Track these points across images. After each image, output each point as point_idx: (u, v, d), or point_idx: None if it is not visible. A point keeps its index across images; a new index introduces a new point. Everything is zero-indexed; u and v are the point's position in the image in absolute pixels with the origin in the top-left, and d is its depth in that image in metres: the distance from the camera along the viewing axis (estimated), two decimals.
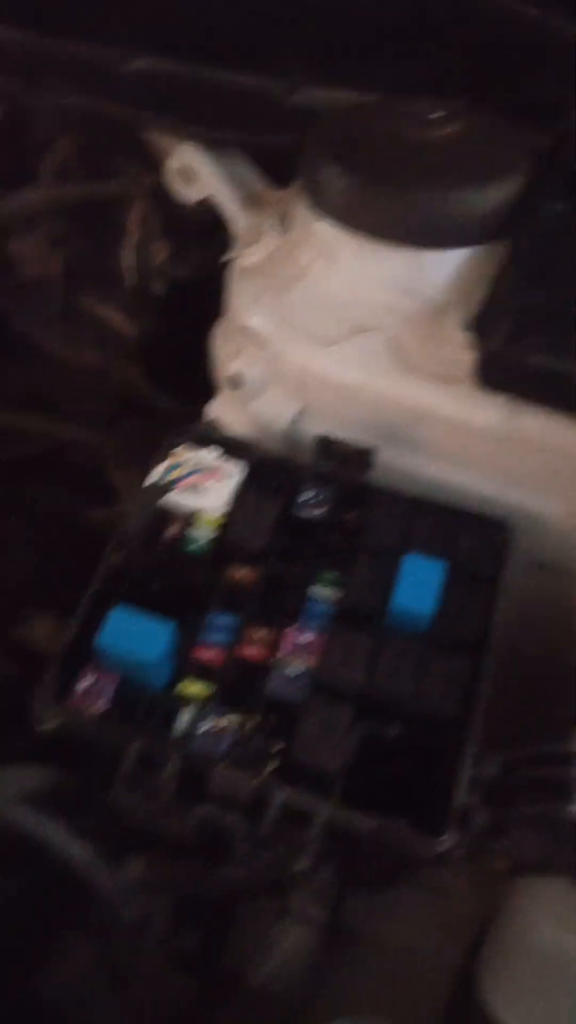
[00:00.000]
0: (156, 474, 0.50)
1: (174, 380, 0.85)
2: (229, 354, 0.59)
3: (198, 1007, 0.54)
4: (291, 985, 0.52)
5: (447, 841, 0.40)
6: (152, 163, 0.76)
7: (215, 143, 0.63)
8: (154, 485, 0.49)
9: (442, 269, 0.52)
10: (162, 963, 0.53)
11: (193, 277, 0.78)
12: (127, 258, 0.83)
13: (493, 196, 0.50)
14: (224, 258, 0.62)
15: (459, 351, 0.50)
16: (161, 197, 0.77)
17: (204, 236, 0.77)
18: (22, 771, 0.52)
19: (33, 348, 0.91)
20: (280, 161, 0.65)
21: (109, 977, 0.50)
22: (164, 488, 0.49)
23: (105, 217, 0.85)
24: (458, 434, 0.51)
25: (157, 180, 0.77)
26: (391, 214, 0.51)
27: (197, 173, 0.63)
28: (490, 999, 0.48)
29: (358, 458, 0.50)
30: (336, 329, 0.53)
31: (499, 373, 0.48)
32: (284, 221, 0.59)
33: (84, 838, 0.49)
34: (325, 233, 0.54)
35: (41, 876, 0.51)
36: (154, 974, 0.51)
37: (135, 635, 0.43)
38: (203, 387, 0.66)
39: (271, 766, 0.42)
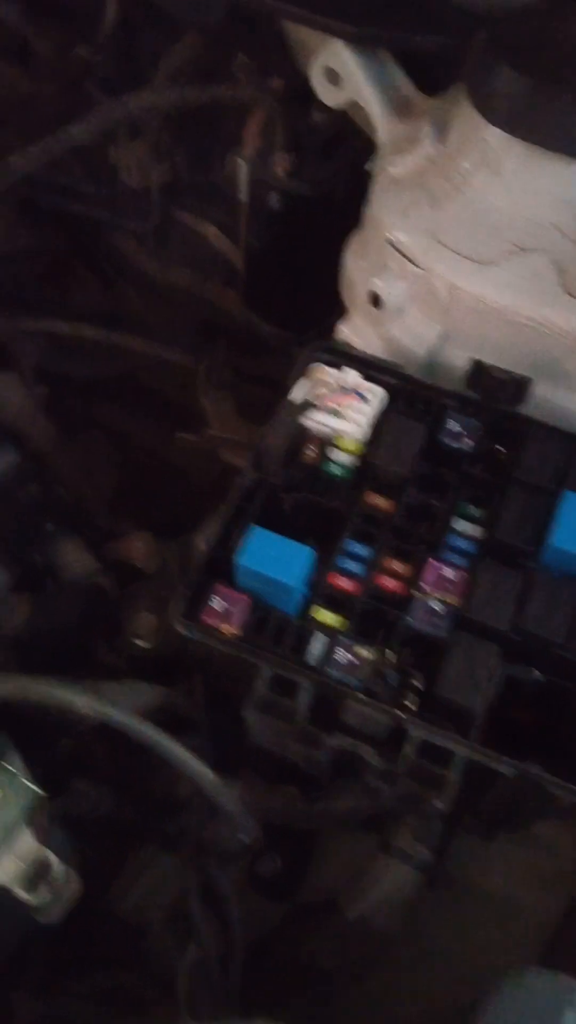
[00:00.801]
0: (297, 391, 0.47)
1: (278, 303, 0.82)
2: (367, 270, 0.56)
3: (284, 932, 0.54)
4: (390, 921, 0.51)
5: None
6: (283, 65, 0.73)
7: (364, 42, 0.60)
8: (294, 402, 0.47)
9: None
10: (244, 886, 0.53)
11: (314, 193, 0.75)
12: (242, 170, 0.80)
13: None
14: (366, 167, 0.59)
15: None
16: (286, 103, 0.74)
17: (329, 149, 0.74)
18: (132, 686, 0.51)
19: (125, 263, 0.89)
20: (431, 66, 0.62)
21: (199, 894, 0.50)
22: (305, 406, 0.47)
23: (214, 127, 0.82)
24: None
25: (283, 84, 0.74)
26: (568, 121, 0.48)
27: (344, 75, 0.59)
28: None
29: (512, 388, 0.48)
30: (495, 248, 0.50)
31: None
32: (440, 130, 0.55)
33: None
34: (492, 141, 0.50)
35: (135, 791, 0.51)
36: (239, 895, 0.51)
37: (274, 556, 0.42)
38: (309, 312, 0.63)
39: (411, 701, 0.41)
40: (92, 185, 0.86)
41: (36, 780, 0.41)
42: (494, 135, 0.50)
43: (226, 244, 0.86)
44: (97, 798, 0.51)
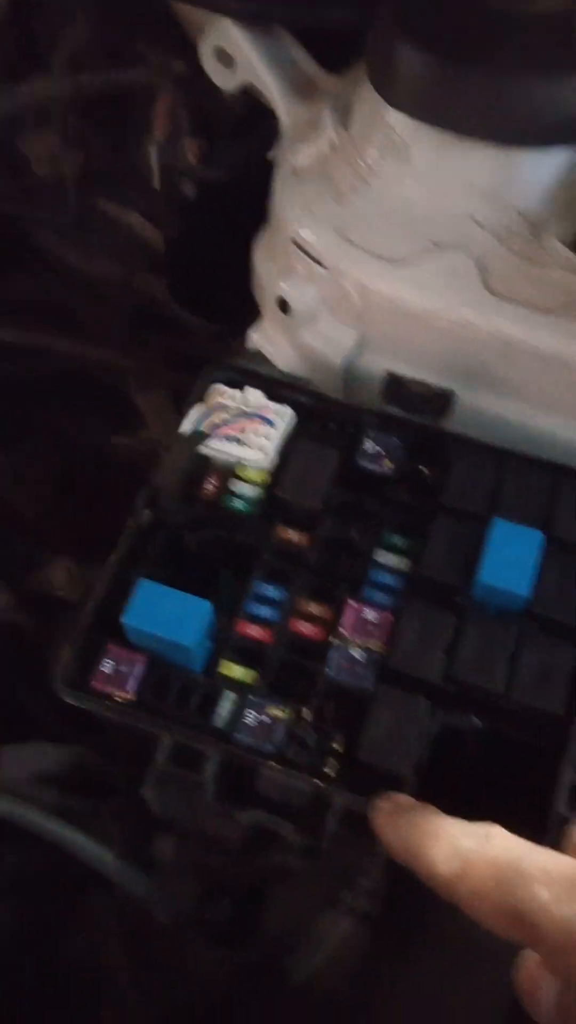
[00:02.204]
0: (192, 418, 0.44)
1: (201, 295, 0.79)
2: (274, 272, 0.53)
3: (235, 991, 0.51)
4: (341, 983, 0.49)
5: None
6: (182, 46, 0.69)
7: (257, 19, 0.56)
8: (189, 432, 0.43)
9: (542, 172, 0.45)
10: (191, 938, 0.50)
11: (228, 179, 0.71)
12: (152, 157, 0.76)
13: None
14: (269, 155, 0.55)
15: (561, 274, 0.43)
16: (192, 86, 0.70)
17: (242, 131, 0.70)
18: (39, 748, 0.48)
19: (47, 258, 0.85)
20: (336, 43, 0.58)
21: (126, 951, 0.47)
22: (201, 436, 0.43)
23: (126, 111, 0.78)
24: (556, 373, 0.45)
25: (188, 66, 0.70)
26: (480, 103, 0.44)
27: (236, 55, 0.56)
28: None
29: (435, 401, 0.44)
30: (408, 245, 0.47)
31: None
32: (342, 113, 0.51)
33: (108, 820, 0.46)
34: (397, 126, 0.47)
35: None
36: (182, 950, 0.48)
37: (166, 613, 0.38)
38: (233, 304, 0.60)
39: (331, 767, 0.38)
40: (3, 178, 0.82)
41: None
42: (399, 120, 0.47)
43: (151, 232, 0.83)
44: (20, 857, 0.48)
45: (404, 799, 0.35)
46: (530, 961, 0.30)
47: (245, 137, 0.70)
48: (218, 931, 0.51)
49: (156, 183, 0.76)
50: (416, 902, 0.50)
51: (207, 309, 0.80)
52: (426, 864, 0.31)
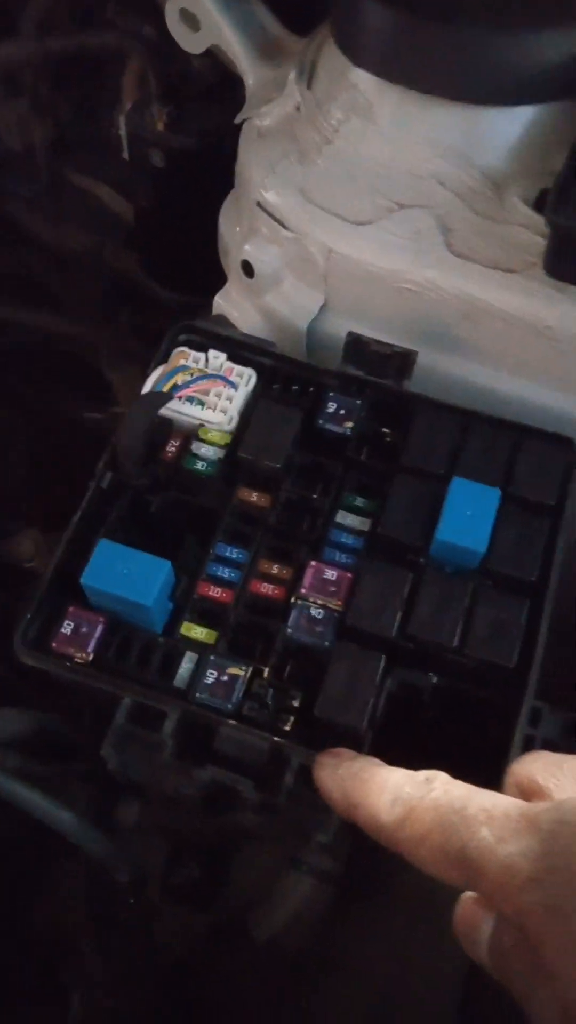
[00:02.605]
0: (153, 379, 0.44)
1: (172, 267, 0.78)
2: (239, 236, 0.52)
3: (199, 950, 0.52)
4: (302, 941, 0.49)
5: None
6: (152, 10, 0.68)
7: None
8: (151, 393, 0.43)
9: (506, 131, 0.45)
10: (157, 899, 0.50)
11: (198, 147, 0.70)
12: (121, 125, 0.76)
13: (572, 40, 0.43)
14: (237, 120, 0.55)
15: (524, 233, 0.43)
16: (161, 52, 0.70)
17: (210, 98, 0.70)
18: (2, 714, 0.48)
19: (17, 230, 0.85)
20: (301, 4, 0.57)
21: (91, 914, 0.48)
22: (163, 397, 0.43)
23: (97, 78, 0.77)
24: (518, 334, 0.45)
25: (157, 32, 0.69)
26: (444, 60, 0.44)
27: (201, 17, 0.55)
28: None
29: (396, 362, 0.45)
30: (372, 205, 0.47)
31: (573, 259, 0.42)
32: (307, 74, 0.51)
33: (77, 783, 0.46)
34: (361, 85, 0.47)
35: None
36: (152, 912, 0.48)
37: (125, 573, 0.38)
38: (206, 276, 0.60)
39: (288, 724, 0.38)
40: None
41: None
42: (363, 79, 0.46)
43: (122, 204, 0.82)
44: None
45: (347, 753, 0.35)
46: (468, 901, 0.30)
47: (215, 104, 0.69)
48: (184, 892, 0.52)
49: (125, 152, 0.75)
50: (377, 861, 0.51)
51: (179, 281, 0.79)
52: (369, 814, 0.31)
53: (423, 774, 0.31)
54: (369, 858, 0.50)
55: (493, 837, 0.27)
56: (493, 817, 0.28)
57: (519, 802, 0.28)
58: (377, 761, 0.33)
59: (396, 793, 0.30)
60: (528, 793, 0.29)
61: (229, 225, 0.54)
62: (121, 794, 0.49)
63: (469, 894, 0.30)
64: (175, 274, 0.80)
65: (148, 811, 0.48)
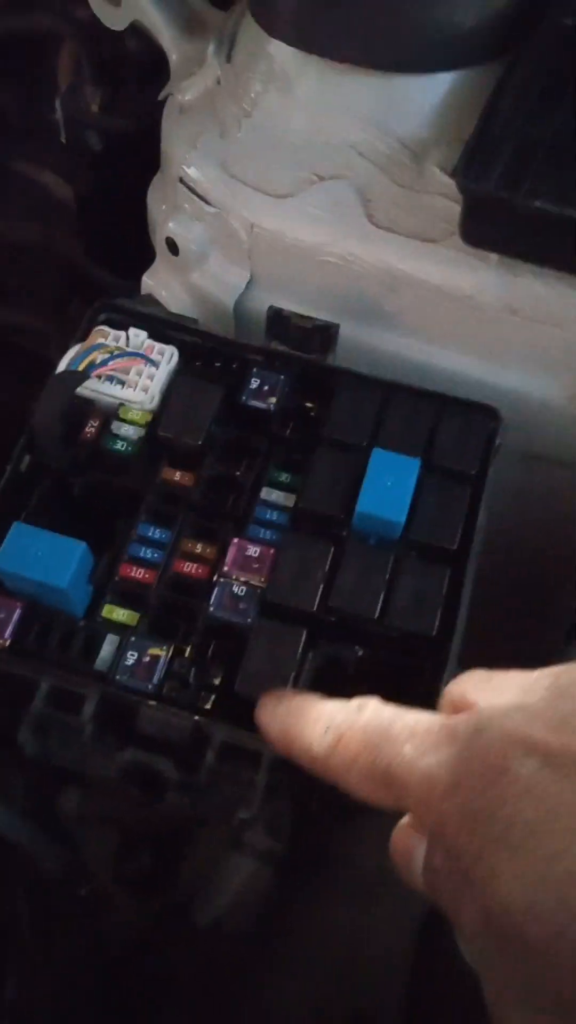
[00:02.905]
0: (69, 358, 0.43)
1: (116, 252, 0.78)
2: (164, 213, 0.52)
3: (142, 938, 0.52)
4: (244, 924, 0.49)
5: None
6: None
7: None
8: (66, 372, 0.42)
9: (422, 99, 0.45)
10: (112, 889, 0.50)
11: (134, 128, 0.70)
12: (58, 109, 0.75)
13: (488, 3, 0.42)
14: (160, 96, 0.54)
15: (442, 201, 0.43)
16: (94, 33, 0.69)
17: (146, 78, 0.69)
18: None
19: None
20: None
21: (29, 921, 0.47)
22: (79, 376, 0.42)
23: (35, 62, 0.76)
24: (441, 304, 0.45)
25: (89, 12, 0.68)
26: (358, 28, 0.44)
27: None
28: None
29: (318, 335, 0.44)
30: (291, 178, 0.47)
31: (491, 226, 0.41)
32: (228, 46, 0.50)
33: (13, 772, 0.46)
34: (277, 56, 0.46)
35: None
36: (99, 900, 0.48)
37: (41, 556, 0.38)
38: (149, 259, 0.59)
39: (209, 703, 0.37)
40: None
41: None
42: (279, 49, 0.46)
43: (66, 191, 0.81)
44: None
45: (288, 692, 0.35)
46: (401, 829, 0.30)
47: (151, 85, 0.68)
48: (136, 881, 0.52)
49: (63, 136, 0.74)
50: (322, 841, 0.51)
51: (123, 265, 0.78)
52: (303, 746, 0.31)
53: (355, 701, 0.31)
54: (313, 838, 0.50)
55: (415, 752, 0.27)
56: (415, 733, 0.27)
57: (442, 716, 0.28)
58: (315, 695, 0.33)
59: (327, 723, 0.30)
60: (459, 709, 0.29)
61: (156, 203, 0.54)
62: (63, 784, 0.48)
63: (403, 822, 0.30)
64: (119, 258, 0.79)
65: (89, 800, 0.47)
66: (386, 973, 0.52)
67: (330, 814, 0.47)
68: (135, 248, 0.73)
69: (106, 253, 0.80)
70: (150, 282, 0.53)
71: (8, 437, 0.79)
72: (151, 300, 0.52)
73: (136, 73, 0.70)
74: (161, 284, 0.52)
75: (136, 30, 0.57)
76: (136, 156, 0.69)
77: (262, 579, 0.40)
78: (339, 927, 0.51)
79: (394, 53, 0.44)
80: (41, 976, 0.45)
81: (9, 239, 0.83)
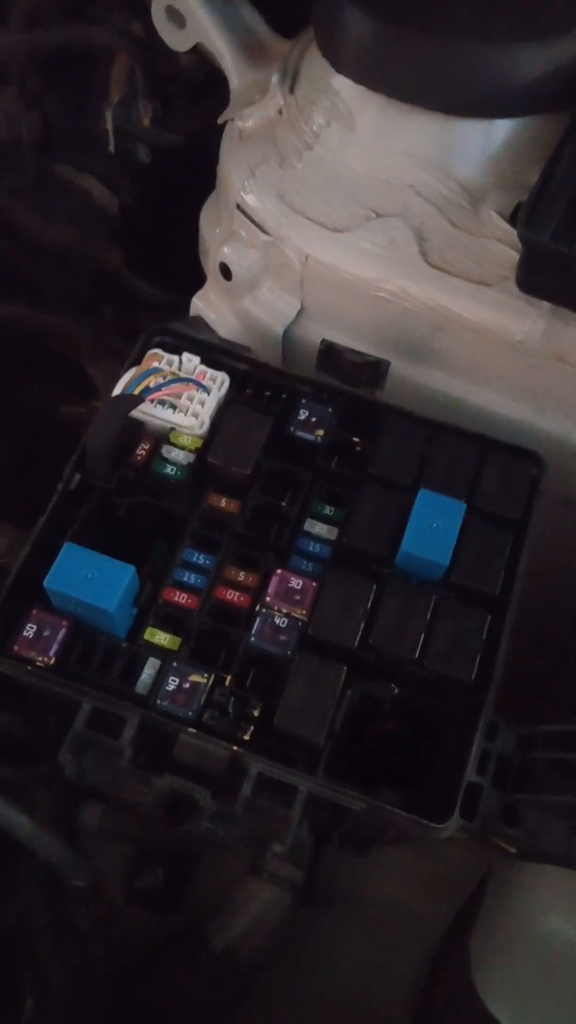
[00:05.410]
0: (126, 382, 0.43)
1: (155, 264, 0.78)
2: (218, 237, 0.52)
3: (151, 963, 0.52)
4: (259, 949, 0.49)
5: (451, 827, 0.36)
6: (142, 8, 0.68)
7: None
8: (123, 396, 0.43)
9: (484, 143, 0.45)
10: (124, 904, 0.50)
11: (183, 144, 0.70)
12: (108, 120, 0.75)
13: (555, 53, 0.43)
14: (219, 120, 0.55)
15: (498, 246, 0.43)
16: (149, 48, 0.69)
17: (198, 96, 0.69)
18: None
19: (3, 222, 0.84)
20: (288, 7, 0.57)
21: (51, 927, 0.47)
22: (134, 400, 0.43)
23: (86, 72, 0.77)
24: (490, 346, 0.45)
25: (146, 28, 0.69)
26: (424, 69, 0.44)
27: (187, 15, 0.55)
28: (481, 981, 0.46)
29: (369, 371, 0.44)
30: (349, 212, 0.47)
31: (545, 274, 0.42)
32: (290, 78, 0.51)
33: (38, 787, 0.46)
34: (343, 92, 0.46)
35: None
36: (112, 918, 0.48)
37: (89, 578, 0.38)
38: (188, 275, 0.60)
39: (247, 733, 0.38)
40: None
41: None
42: (345, 85, 0.46)
43: (108, 198, 0.82)
44: None
45: None
46: None
47: (202, 102, 0.69)
48: (148, 898, 0.52)
49: (111, 146, 0.75)
50: (341, 870, 0.51)
51: (161, 278, 0.79)
52: None
53: None
54: (332, 867, 0.51)
55: None
56: None
57: None
58: None
59: None
60: None
61: (209, 226, 0.54)
62: (83, 799, 0.48)
63: None
64: (158, 271, 0.80)
65: (110, 816, 0.48)
66: (394, 1006, 0.52)
67: (349, 847, 0.47)
68: (174, 261, 0.74)
69: (144, 264, 0.80)
70: (200, 304, 0.54)
71: (31, 436, 0.80)
72: (201, 323, 0.52)
73: (188, 90, 0.70)
74: (211, 307, 0.53)
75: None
76: (183, 172, 0.70)
77: (303, 611, 0.40)
78: (349, 959, 0.52)
79: (458, 97, 0.44)
80: (58, 994, 0.46)
81: (46, 239, 0.84)
